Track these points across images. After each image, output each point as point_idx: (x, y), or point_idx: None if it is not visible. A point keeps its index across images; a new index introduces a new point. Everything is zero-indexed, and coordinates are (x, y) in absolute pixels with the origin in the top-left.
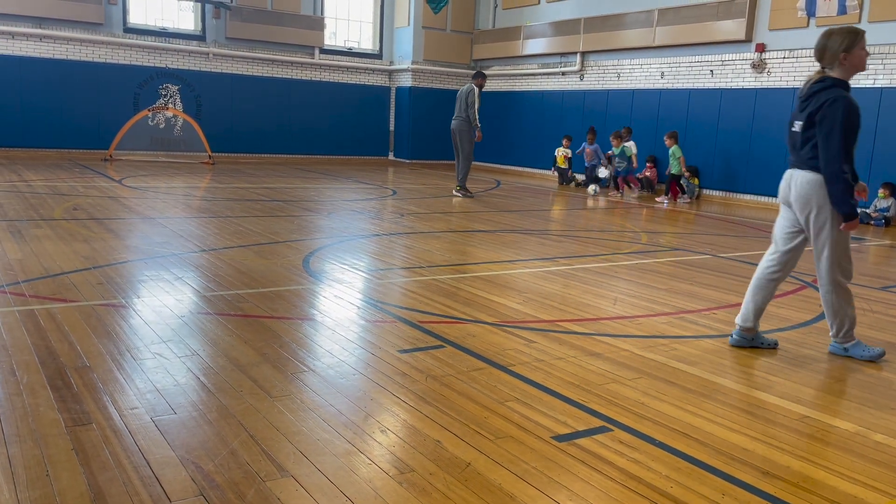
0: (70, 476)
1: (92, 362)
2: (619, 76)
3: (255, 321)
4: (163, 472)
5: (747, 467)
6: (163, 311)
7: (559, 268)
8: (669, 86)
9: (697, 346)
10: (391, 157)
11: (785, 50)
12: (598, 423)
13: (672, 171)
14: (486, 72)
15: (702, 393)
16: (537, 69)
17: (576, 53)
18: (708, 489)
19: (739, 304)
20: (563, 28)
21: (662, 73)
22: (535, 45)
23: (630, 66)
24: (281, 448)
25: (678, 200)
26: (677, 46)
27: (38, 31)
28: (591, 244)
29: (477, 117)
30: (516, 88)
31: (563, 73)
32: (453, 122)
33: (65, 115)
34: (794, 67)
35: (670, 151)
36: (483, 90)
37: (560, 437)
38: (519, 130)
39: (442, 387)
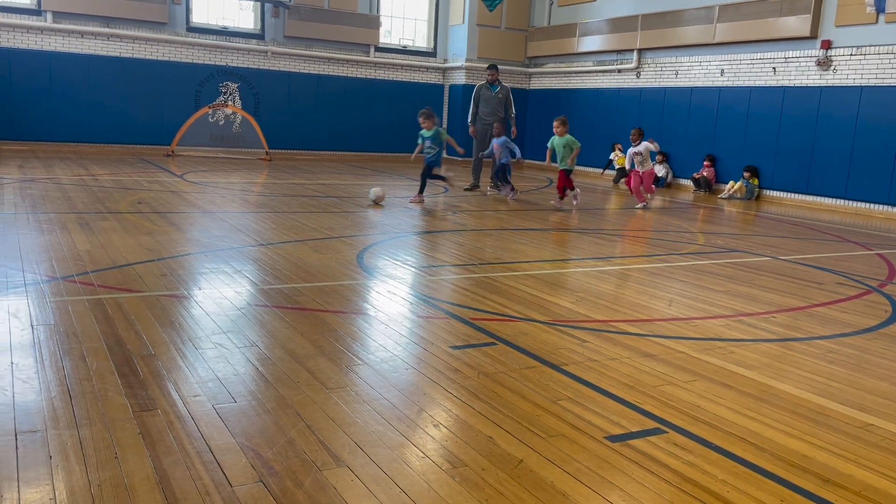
0: (137, 459)
1: (156, 350)
2: (676, 74)
3: (310, 314)
4: (224, 457)
5: (808, 474)
6: (223, 303)
7: (613, 267)
8: (729, 83)
9: (756, 349)
10: (445, 154)
11: (852, 47)
12: (652, 424)
13: (561, 166)
14: (540, 70)
15: (760, 397)
16: (592, 66)
17: (632, 50)
18: (766, 495)
19: (800, 308)
20: (620, 25)
21: (722, 70)
22: (590, 42)
23: (689, 64)
24: (336, 439)
25: (564, 200)
26: (738, 43)
27: (106, 30)
28: (645, 244)
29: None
30: (570, 86)
31: (619, 71)
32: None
33: (130, 111)
34: (861, 65)
35: (562, 142)
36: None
37: (613, 438)
38: (572, 129)
39: (494, 384)
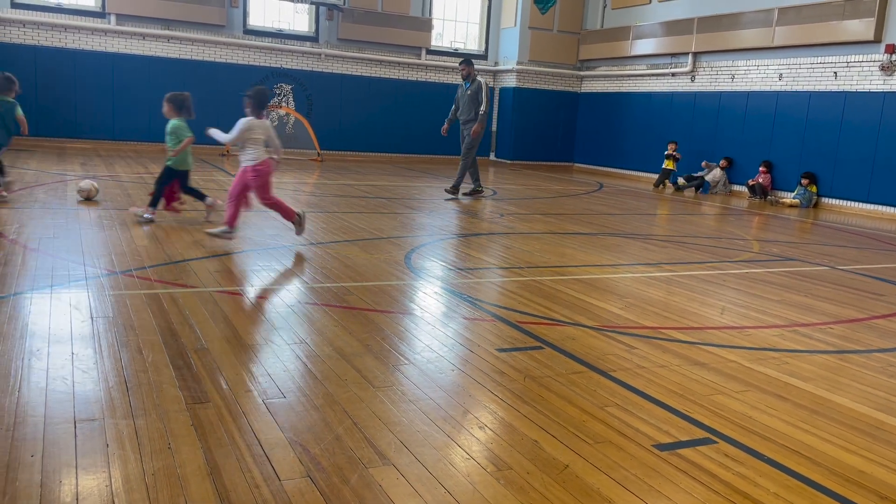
0: (189, 450)
1: (209, 345)
2: (733, 77)
3: (358, 313)
4: (273, 452)
5: (864, 491)
6: (273, 300)
7: (663, 273)
8: (788, 88)
9: (811, 360)
10: (492, 157)
11: None
12: (701, 434)
13: (169, 163)
14: (592, 73)
15: (815, 410)
16: (646, 70)
17: (687, 54)
18: None
19: (859, 319)
20: (675, 28)
21: (781, 74)
22: (644, 46)
23: (745, 68)
24: (383, 437)
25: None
26: (798, 47)
27: (167, 32)
28: (697, 250)
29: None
30: (623, 89)
31: (673, 74)
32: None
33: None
34: None
35: (169, 127)
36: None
37: (662, 446)
38: (623, 132)
39: (540, 388)
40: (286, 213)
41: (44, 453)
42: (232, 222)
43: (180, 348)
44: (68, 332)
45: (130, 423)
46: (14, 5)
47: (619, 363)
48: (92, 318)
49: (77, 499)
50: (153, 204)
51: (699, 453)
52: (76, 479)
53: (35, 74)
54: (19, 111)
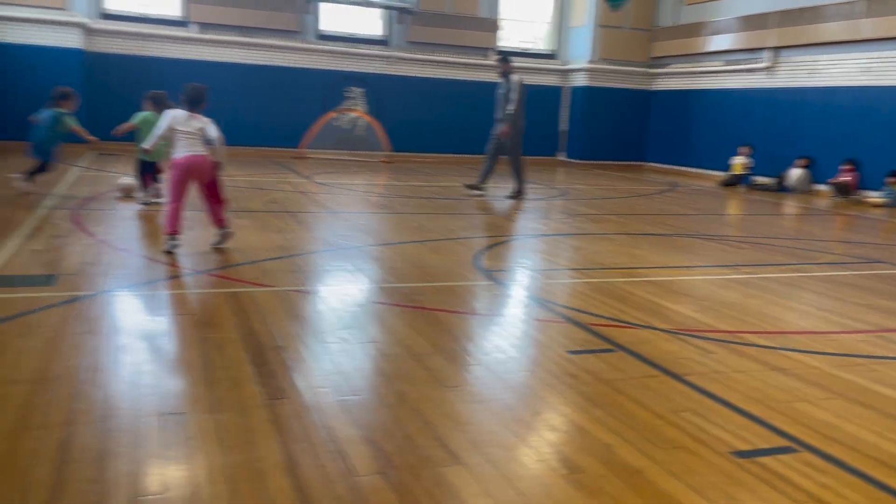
0: (268, 444)
1: (285, 342)
2: (814, 73)
3: (428, 313)
4: (347, 448)
5: None
6: (345, 300)
7: (740, 276)
8: (876, 83)
9: None
10: (561, 157)
11: None
12: (782, 442)
13: (140, 156)
14: (665, 70)
15: None
16: (721, 66)
17: (765, 49)
18: None
19: None
20: (753, 22)
21: (868, 69)
22: (720, 41)
23: (828, 62)
24: (454, 437)
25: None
26: (888, 40)
27: (244, 39)
28: (776, 252)
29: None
30: (697, 86)
31: (751, 70)
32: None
33: (262, 115)
34: None
35: (139, 118)
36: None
37: (740, 454)
38: (698, 130)
39: (612, 391)
40: (171, 221)
41: (133, 445)
42: (172, 226)
43: (258, 345)
44: (154, 328)
45: (213, 418)
46: (104, 16)
47: (695, 367)
48: (176, 315)
49: (164, 489)
50: (146, 190)
51: (780, 462)
52: (162, 469)
53: (123, 82)
54: (71, 122)
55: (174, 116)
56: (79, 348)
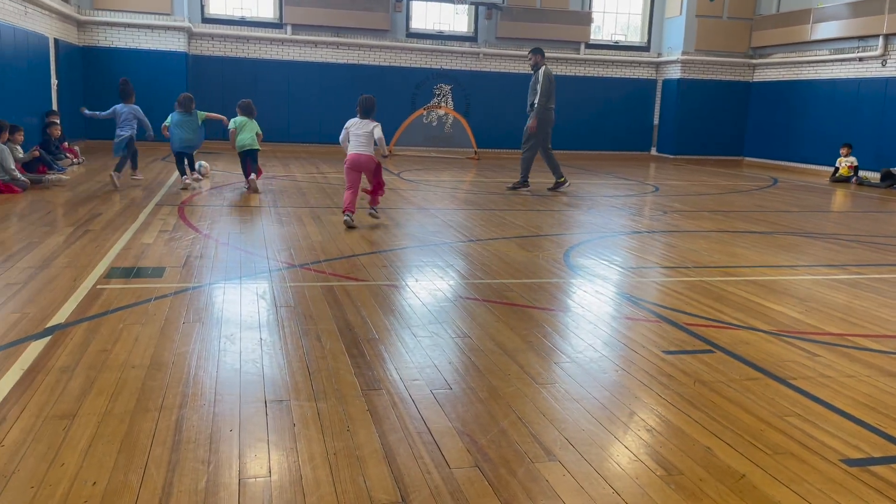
0: (366, 433)
1: (380, 335)
2: None
3: (518, 309)
4: (442, 440)
5: None
6: (437, 294)
7: (848, 276)
8: None
9: None
10: (653, 152)
11: None
12: None
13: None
14: (766, 60)
15: None
16: (828, 55)
17: (878, 36)
18: None
19: None
20: (863, 8)
21: None
22: (826, 29)
23: None
24: (548, 433)
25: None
26: None
27: (336, 39)
28: (889, 251)
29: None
30: (801, 77)
31: (861, 59)
32: (552, 113)
33: (353, 114)
34: None
35: (238, 123)
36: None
37: (851, 462)
38: (801, 124)
39: (711, 393)
40: (348, 203)
41: (240, 429)
42: (348, 206)
43: (354, 337)
44: (256, 319)
45: (314, 406)
46: (205, 20)
47: (800, 371)
48: (276, 307)
49: (270, 472)
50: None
51: (894, 471)
52: (268, 454)
53: (221, 83)
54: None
55: (351, 121)
56: (188, 336)
